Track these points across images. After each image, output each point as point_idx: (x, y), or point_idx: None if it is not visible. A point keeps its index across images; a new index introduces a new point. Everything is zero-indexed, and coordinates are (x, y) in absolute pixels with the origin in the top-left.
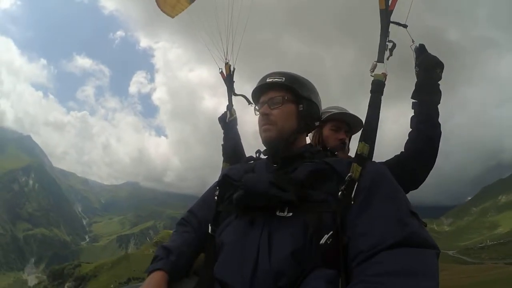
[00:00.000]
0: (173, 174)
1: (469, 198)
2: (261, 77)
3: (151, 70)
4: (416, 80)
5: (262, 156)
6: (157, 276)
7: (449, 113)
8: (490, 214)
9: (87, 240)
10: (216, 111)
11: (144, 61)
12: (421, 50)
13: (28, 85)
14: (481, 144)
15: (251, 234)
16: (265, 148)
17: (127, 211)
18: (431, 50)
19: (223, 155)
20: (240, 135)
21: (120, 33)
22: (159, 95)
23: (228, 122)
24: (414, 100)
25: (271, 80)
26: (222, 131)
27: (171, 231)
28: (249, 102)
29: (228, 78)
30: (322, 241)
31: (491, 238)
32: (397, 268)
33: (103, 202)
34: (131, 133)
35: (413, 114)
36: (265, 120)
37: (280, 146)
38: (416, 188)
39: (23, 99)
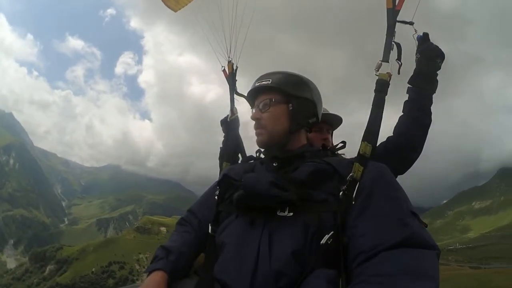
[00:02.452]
0: (156, 159)
1: (445, 202)
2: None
3: (139, 52)
4: (415, 66)
5: (262, 156)
6: (157, 276)
7: (433, 120)
8: (463, 218)
9: (66, 222)
10: (203, 98)
11: (133, 42)
12: (424, 39)
13: (13, 62)
14: (460, 152)
15: (252, 234)
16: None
17: (107, 194)
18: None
19: (221, 157)
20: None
21: (110, 10)
22: (146, 78)
23: (229, 121)
24: (410, 86)
25: (258, 84)
26: (223, 133)
27: (152, 217)
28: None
29: (231, 77)
30: (323, 241)
31: (461, 241)
32: (398, 268)
33: (83, 184)
34: (115, 114)
35: (407, 99)
36: (256, 124)
37: (273, 148)
38: (403, 173)
39: (9, 75)
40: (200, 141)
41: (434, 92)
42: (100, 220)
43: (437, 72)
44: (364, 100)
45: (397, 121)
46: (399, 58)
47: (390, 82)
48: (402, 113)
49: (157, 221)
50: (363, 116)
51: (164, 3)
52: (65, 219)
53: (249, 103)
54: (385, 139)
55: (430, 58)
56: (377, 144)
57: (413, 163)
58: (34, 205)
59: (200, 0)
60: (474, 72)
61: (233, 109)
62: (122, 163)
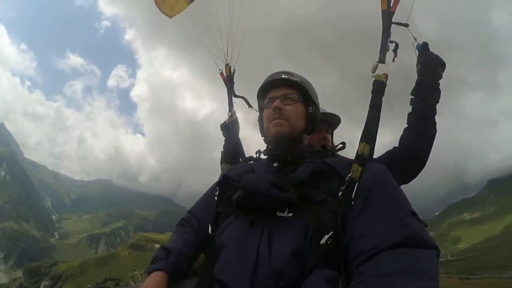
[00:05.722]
0: (148, 174)
1: (437, 214)
2: (265, 78)
3: (133, 65)
4: (417, 77)
5: (262, 156)
6: (157, 277)
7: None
8: (454, 230)
9: (57, 237)
10: (197, 114)
11: (126, 55)
12: (424, 49)
13: (7, 72)
14: (448, 165)
15: (251, 234)
16: (265, 148)
17: (98, 209)
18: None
19: (222, 160)
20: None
21: (105, 23)
22: (138, 92)
23: (229, 123)
24: (413, 97)
25: (286, 77)
26: (224, 138)
27: (146, 234)
28: (249, 105)
29: (228, 79)
30: (323, 241)
31: (452, 253)
32: (398, 268)
33: (73, 198)
34: (107, 128)
35: (411, 111)
36: (278, 114)
37: (289, 143)
38: (407, 183)
39: (2, 85)
40: (193, 157)
41: (438, 102)
42: (91, 236)
43: (439, 81)
44: (350, 119)
45: (402, 132)
46: (395, 50)
47: (386, 83)
48: (407, 125)
49: (151, 238)
50: (350, 134)
51: (159, 9)
52: (55, 233)
53: (258, 94)
54: (391, 148)
55: (431, 68)
56: (385, 151)
57: (418, 173)
58: (24, 218)
59: (194, 3)
60: (458, 91)
61: (231, 111)
62: (113, 178)
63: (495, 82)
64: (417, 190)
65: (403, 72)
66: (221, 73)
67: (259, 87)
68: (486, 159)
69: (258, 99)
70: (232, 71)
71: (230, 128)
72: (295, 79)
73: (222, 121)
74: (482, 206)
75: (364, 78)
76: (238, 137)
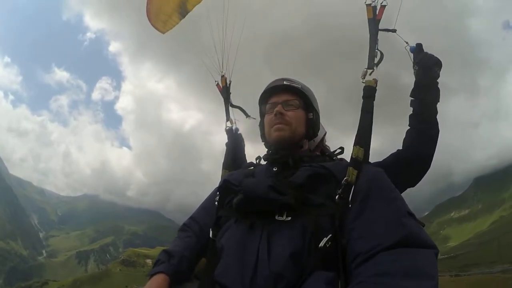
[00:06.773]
0: (135, 188)
1: (425, 214)
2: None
3: (117, 77)
4: (415, 78)
5: (262, 162)
6: (159, 279)
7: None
8: (443, 228)
9: (45, 255)
10: (183, 125)
11: (111, 67)
12: (419, 50)
13: None
14: (434, 167)
15: (251, 238)
16: (265, 154)
17: (86, 225)
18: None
19: (222, 167)
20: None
21: (91, 35)
22: (123, 104)
23: (227, 132)
24: (412, 98)
25: (288, 83)
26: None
27: (136, 249)
28: (247, 115)
29: (225, 90)
30: (321, 244)
31: (442, 252)
32: (397, 268)
33: (59, 215)
34: (93, 142)
35: (412, 112)
36: (280, 119)
37: (290, 147)
38: (413, 186)
39: None
40: (180, 169)
41: (438, 101)
42: (80, 253)
43: (437, 80)
44: (335, 127)
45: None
46: (377, 64)
47: (377, 88)
48: (409, 127)
49: (142, 253)
50: (337, 142)
51: (152, 25)
52: (43, 251)
53: (259, 100)
54: (395, 151)
55: (428, 67)
56: (390, 154)
57: (423, 175)
58: (11, 236)
59: (189, 16)
60: (441, 96)
61: (228, 120)
62: (100, 193)
63: (475, 85)
64: (405, 192)
65: (386, 79)
66: (217, 84)
67: (252, 94)
68: (470, 159)
69: (259, 105)
70: (228, 82)
71: (228, 136)
72: (297, 85)
73: (226, 139)
74: (470, 204)
75: (349, 87)
76: (237, 143)
